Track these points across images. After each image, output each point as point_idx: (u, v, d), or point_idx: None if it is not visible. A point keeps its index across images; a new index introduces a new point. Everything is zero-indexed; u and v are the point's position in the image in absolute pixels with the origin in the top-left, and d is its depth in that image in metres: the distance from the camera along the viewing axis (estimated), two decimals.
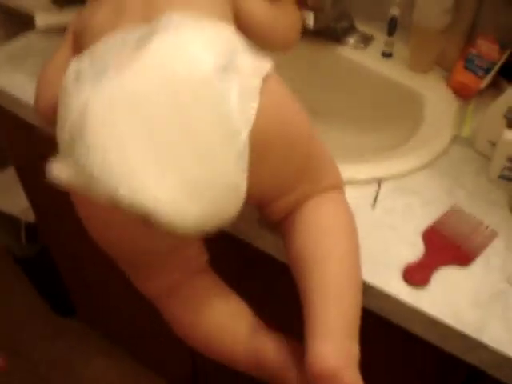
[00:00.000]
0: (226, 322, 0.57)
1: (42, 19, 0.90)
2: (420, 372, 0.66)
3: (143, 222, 0.45)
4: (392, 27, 0.85)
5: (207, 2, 0.60)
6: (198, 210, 0.45)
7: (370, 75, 0.87)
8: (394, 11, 0.83)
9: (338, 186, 0.58)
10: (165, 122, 0.44)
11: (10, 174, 1.35)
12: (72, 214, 0.54)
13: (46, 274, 1.34)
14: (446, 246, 0.61)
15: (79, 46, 0.62)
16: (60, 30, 0.90)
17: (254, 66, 0.48)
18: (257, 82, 0.47)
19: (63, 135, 0.48)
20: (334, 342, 0.46)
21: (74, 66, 0.51)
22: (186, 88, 0.44)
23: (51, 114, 0.61)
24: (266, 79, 0.48)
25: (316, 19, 0.83)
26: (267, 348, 0.54)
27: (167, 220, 0.44)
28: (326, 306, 0.48)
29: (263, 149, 0.47)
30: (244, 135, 0.45)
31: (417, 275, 0.58)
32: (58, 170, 0.47)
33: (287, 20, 0.74)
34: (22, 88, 0.81)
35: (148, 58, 0.46)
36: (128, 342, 1.33)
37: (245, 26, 0.68)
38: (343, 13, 0.89)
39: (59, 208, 1.01)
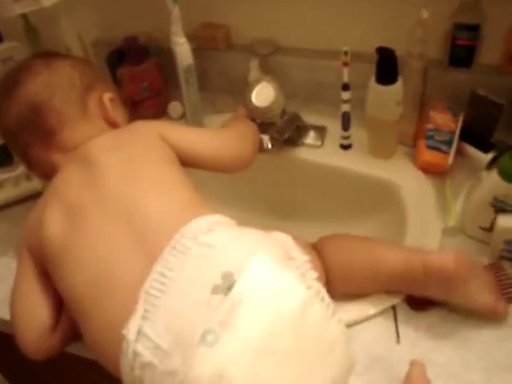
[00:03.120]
0: None
1: None
2: None
3: None
4: (346, 122, 0.83)
5: (172, 182, 0.59)
6: None
7: (340, 173, 0.85)
8: (345, 108, 0.82)
9: None
10: (290, 351, 0.45)
11: None
12: None
13: None
14: None
15: (44, 261, 0.60)
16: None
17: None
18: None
19: None
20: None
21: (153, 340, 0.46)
22: (292, 318, 0.45)
23: (41, 346, 0.60)
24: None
25: (272, 138, 0.81)
26: None
27: None
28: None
29: None
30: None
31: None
32: None
33: (235, 142, 0.73)
34: None
35: (245, 308, 0.44)
36: None
37: (195, 165, 0.67)
38: (292, 116, 0.86)
39: None
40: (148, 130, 0.66)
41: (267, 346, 0.43)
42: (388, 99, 0.76)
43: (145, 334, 0.46)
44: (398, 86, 0.75)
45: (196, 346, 0.43)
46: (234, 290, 0.45)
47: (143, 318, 0.46)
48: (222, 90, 1.02)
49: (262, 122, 0.81)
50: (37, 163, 0.66)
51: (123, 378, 0.49)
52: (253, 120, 0.81)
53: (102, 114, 0.67)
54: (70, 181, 0.60)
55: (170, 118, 0.99)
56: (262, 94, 0.78)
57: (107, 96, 0.68)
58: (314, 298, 0.47)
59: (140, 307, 0.47)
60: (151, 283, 0.48)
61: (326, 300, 0.49)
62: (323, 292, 0.49)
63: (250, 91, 0.78)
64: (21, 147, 0.67)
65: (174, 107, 0.98)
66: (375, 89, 0.76)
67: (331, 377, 0.48)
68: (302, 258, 0.52)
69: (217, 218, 0.55)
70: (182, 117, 0.97)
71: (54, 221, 0.57)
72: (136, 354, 0.46)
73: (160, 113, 0.99)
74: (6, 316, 0.67)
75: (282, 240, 0.53)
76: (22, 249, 0.63)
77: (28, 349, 0.60)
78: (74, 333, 0.62)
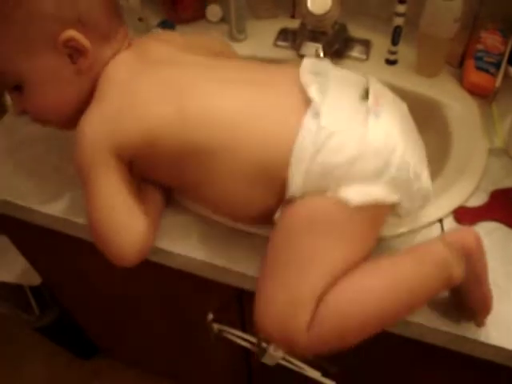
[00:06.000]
0: None
1: None
2: None
3: None
4: (396, 37, 0.82)
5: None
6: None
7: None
8: (399, 21, 0.80)
9: None
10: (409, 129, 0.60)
11: None
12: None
13: (66, 331, 1.29)
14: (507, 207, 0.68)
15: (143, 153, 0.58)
16: None
17: None
18: None
19: (371, 164, 0.53)
20: None
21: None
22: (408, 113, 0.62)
23: (142, 255, 0.60)
24: None
25: (324, 47, 0.79)
26: None
27: None
28: None
29: None
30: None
31: (466, 216, 0.67)
32: (360, 194, 0.53)
33: None
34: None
35: (384, 101, 0.58)
36: (158, 367, 1.32)
37: None
38: (341, 28, 0.84)
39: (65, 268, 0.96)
40: None
41: (402, 123, 0.58)
42: (447, 15, 0.75)
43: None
44: (458, 2, 0.73)
45: (366, 120, 0.54)
46: (371, 91, 0.58)
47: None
48: None
49: (313, 29, 0.79)
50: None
51: (293, 163, 0.53)
52: (303, 25, 0.79)
53: None
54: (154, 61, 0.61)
55: (207, 22, 0.95)
56: (319, 1, 0.75)
57: None
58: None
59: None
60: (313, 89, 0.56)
61: None
62: None
63: None
64: None
65: (213, 10, 0.94)
66: (434, 3, 0.74)
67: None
68: None
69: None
70: (221, 20, 0.94)
71: (161, 101, 0.57)
72: (321, 128, 0.53)
73: (198, 15, 0.95)
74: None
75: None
76: (104, 155, 0.57)
77: (129, 261, 0.59)
78: None
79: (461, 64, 0.84)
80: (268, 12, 0.95)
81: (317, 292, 0.52)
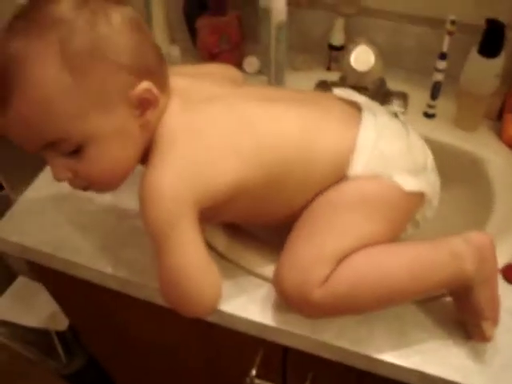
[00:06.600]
0: None
1: None
2: None
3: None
4: (436, 91, 0.83)
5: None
6: None
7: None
8: (439, 77, 0.81)
9: None
10: None
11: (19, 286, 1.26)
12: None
13: (93, 378, 1.27)
14: None
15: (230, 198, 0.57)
16: None
17: None
18: None
19: (417, 159, 0.63)
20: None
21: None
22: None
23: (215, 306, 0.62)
24: None
25: None
26: None
27: None
28: None
29: None
30: None
31: None
32: (410, 182, 0.60)
33: None
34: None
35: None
36: None
37: None
38: (381, 82, 0.85)
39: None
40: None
41: None
42: (488, 72, 0.76)
43: None
44: (500, 60, 0.75)
45: (405, 126, 0.65)
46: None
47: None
48: (297, 47, 0.99)
49: (355, 85, 0.80)
50: None
51: (358, 148, 0.59)
52: (343, 79, 0.81)
53: None
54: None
55: (244, 73, 0.97)
56: (361, 58, 0.77)
57: None
58: None
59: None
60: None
61: None
62: None
63: (349, 53, 0.77)
64: None
65: (251, 62, 0.96)
66: (476, 60, 0.75)
67: None
68: None
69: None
70: (259, 72, 0.96)
71: (234, 140, 0.57)
72: (379, 121, 0.62)
73: (235, 67, 0.97)
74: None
75: None
76: (187, 210, 0.53)
77: (212, 309, 0.61)
78: None
79: (499, 117, 0.85)
80: (304, 64, 0.97)
81: (339, 254, 0.56)
